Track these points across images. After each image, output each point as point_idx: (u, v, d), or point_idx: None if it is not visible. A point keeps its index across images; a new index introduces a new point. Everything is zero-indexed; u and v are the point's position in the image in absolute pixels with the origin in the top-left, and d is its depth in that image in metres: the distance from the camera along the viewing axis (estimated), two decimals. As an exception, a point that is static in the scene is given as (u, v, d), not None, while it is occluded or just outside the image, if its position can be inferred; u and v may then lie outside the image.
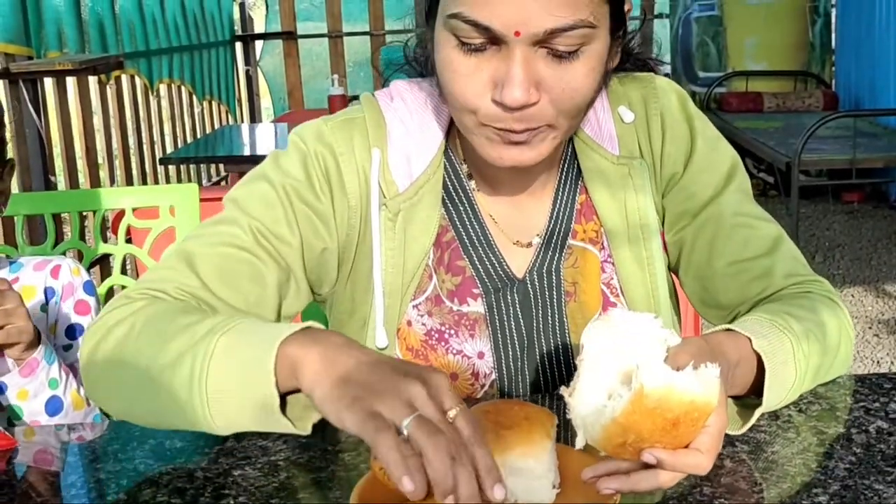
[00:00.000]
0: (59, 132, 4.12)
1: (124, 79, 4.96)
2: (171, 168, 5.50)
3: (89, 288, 1.46)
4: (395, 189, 1.12)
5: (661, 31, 7.16)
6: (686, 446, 0.81)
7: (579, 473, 0.84)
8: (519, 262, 1.16)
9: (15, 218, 1.85)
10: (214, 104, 6.43)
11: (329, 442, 1.03)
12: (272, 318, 1.09)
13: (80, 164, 4.35)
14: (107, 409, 1.05)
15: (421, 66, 1.17)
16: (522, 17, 0.93)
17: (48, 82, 3.99)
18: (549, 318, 1.16)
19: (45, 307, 1.42)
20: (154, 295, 1.03)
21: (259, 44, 7.34)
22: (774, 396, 0.96)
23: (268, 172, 1.12)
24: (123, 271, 1.90)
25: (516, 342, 1.15)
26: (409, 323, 1.14)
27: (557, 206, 1.18)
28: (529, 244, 1.17)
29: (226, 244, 1.07)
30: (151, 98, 5.36)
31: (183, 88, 5.86)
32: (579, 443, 0.82)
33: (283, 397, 0.86)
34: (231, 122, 6.69)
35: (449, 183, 1.16)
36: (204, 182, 6.19)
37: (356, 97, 1.19)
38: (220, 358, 0.88)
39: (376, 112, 1.14)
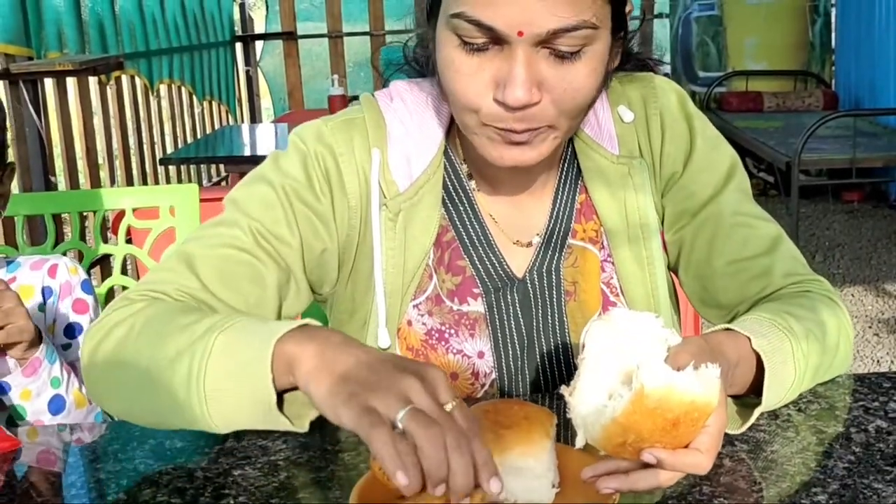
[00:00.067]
0: (59, 133, 4.12)
1: (124, 79, 4.96)
2: (172, 168, 5.50)
3: (87, 287, 1.46)
4: (395, 189, 1.12)
5: (661, 30, 7.16)
6: (686, 446, 0.81)
7: (579, 473, 0.84)
8: (519, 261, 1.17)
9: (15, 218, 1.85)
10: (214, 104, 6.43)
11: (329, 442, 1.03)
12: (273, 318, 1.09)
13: (81, 164, 4.35)
14: (108, 410, 1.06)
15: (421, 66, 1.17)
16: (526, 17, 0.93)
17: (48, 83, 3.99)
18: (549, 317, 1.16)
19: (42, 306, 1.42)
20: (154, 296, 1.04)
21: (259, 44, 7.34)
22: (774, 396, 0.96)
23: (267, 173, 1.12)
24: (124, 272, 1.90)
25: (516, 342, 1.15)
26: (410, 323, 1.14)
27: (557, 205, 1.18)
28: (529, 244, 1.17)
29: (226, 245, 1.07)
30: (152, 98, 5.36)
31: (183, 89, 5.86)
32: (579, 442, 0.83)
33: (281, 395, 0.86)
34: (231, 122, 6.69)
35: (449, 183, 1.16)
36: (204, 182, 6.19)
37: (356, 97, 1.20)
38: (218, 356, 0.88)
39: (376, 112, 1.15)
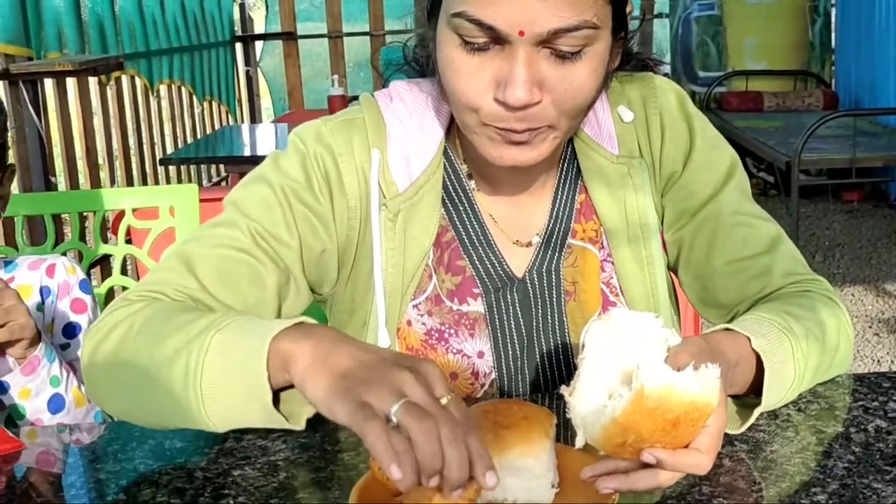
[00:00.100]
0: (59, 133, 4.12)
1: (124, 79, 4.96)
2: (172, 168, 5.50)
3: (85, 286, 1.46)
4: (394, 189, 1.12)
5: (661, 30, 7.16)
6: (686, 446, 0.81)
7: (578, 473, 0.84)
8: (519, 261, 1.17)
9: (15, 219, 1.85)
10: (214, 105, 6.43)
11: (328, 442, 1.03)
12: (272, 319, 1.09)
13: (81, 164, 4.35)
14: (108, 410, 1.06)
15: (421, 66, 1.17)
16: (527, 16, 0.93)
17: (48, 83, 3.99)
18: (549, 317, 1.16)
19: (41, 306, 1.42)
20: (152, 296, 1.04)
21: (259, 44, 7.34)
22: (773, 396, 0.96)
23: (267, 174, 1.12)
24: (123, 272, 1.90)
25: (516, 342, 1.15)
26: (409, 323, 1.14)
27: (557, 205, 1.18)
28: (529, 244, 1.17)
29: (224, 246, 1.07)
30: (151, 99, 5.35)
31: (183, 89, 5.86)
32: (579, 442, 0.83)
33: (278, 393, 0.86)
34: (231, 122, 6.69)
35: (449, 183, 1.16)
36: (204, 182, 6.19)
37: (356, 97, 1.20)
38: (214, 355, 0.88)
39: (376, 113, 1.15)
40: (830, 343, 1.06)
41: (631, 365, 0.80)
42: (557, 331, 1.16)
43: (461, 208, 1.16)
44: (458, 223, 1.16)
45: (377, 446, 0.71)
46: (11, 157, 1.42)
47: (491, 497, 0.83)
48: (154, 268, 1.11)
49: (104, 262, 3.74)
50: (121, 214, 1.90)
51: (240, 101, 7.09)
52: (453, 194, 1.16)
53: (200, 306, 1.04)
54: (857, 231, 5.37)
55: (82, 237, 1.94)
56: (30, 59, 3.78)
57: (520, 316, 1.15)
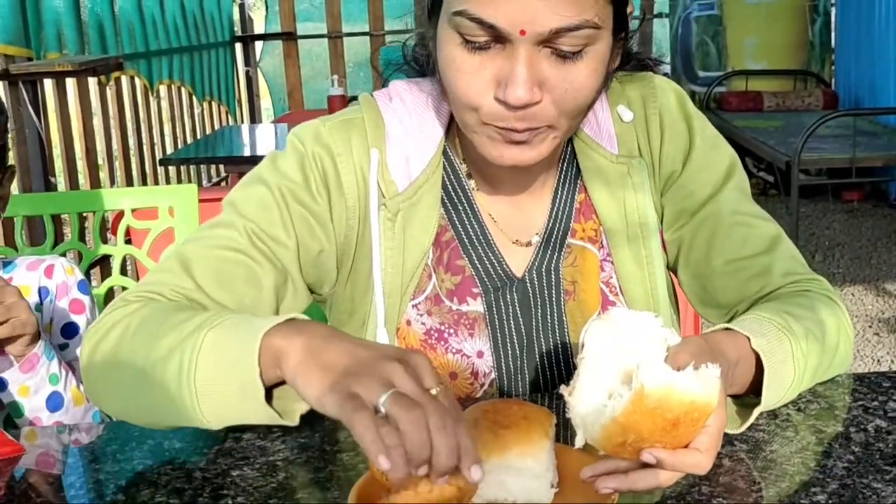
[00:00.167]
0: (58, 133, 4.12)
1: (124, 80, 4.96)
2: (171, 169, 5.50)
3: (83, 287, 1.46)
4: (394, 189, 1.12)
5: (661, 30, 7.17)
6: (686, 446, 0.81)
7: (578, 473, 0.84)
8: (518, 261, 1.16)
9: (14, 219, 1.85)
10: (214, 105, 6.43)
11: (328, 442, 1.03)
12: (268, 317, 1.10)
13: (80, 165, 4.35)
14: (106, 410, 1.06)
15: (420, 65, 1.17)
16: (528, 15, 0.93)
17: (48, 83, 3.99)
18: (549, 317, 1.16)
19: (39, 307, 1.42)
20: (149, 297, 1.04)
21: (259, 44, 7.34)
22: (773, 395, 0.96)
23: (265, 174, 1.12)
24: (123, 272, 1.90)
25: (515, 341, 1.15)
26: (409, 322, 1.14)
27: (556, 205, 1.18)
28: (529, 243, 1.17)
29: (221, 247, 1.08)
30: (151, 99, 5.35)
31: (183, 89, 5.86)
32: (579, 442, 0.82)
33: (272, 390, 0.87)
34: (231, 122, 6.69)
35: (448, 182, 1.16)
36: (204, 183, 6.19)
37: (356, 98, 1.20)
38: (207, 353, 0.89)
39: (375, 112, 1.15)
40: (830, 343, 1.06)
41: (631, 364, 0.80)
42: (557, 330, 1.16)
43: (461, 208, 1.16)
44: (457, 223, 1.16)
45: (365, 437, 0.72)
46: (11, 159, 1.42)
47: (491, 497, 0.83)
48: (153, 269, 1.12)
49: (104, 263, 3.74)
50: (120, 215, 1.91)
51: (239, 101, 7.09)
52: (453, 194, 1.16)
53: (196, 306, 1.04)
54: (857, 231, 5.37)
55: (82, 237, 1.94)
56: (29, 59, 3.78)
57: (519, 316, 1.15)
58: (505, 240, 1.17)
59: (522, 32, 0.94)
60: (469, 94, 0.99)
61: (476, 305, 1.15)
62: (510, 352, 1.15)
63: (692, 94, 5.88)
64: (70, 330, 1.44)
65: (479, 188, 1.17)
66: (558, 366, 1.16)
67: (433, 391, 0.76)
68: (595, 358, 0.83)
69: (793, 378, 0.99)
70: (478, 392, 1.15)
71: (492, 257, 1.15)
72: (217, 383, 0.88)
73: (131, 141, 5.09)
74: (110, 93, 4.78)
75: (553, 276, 1.16)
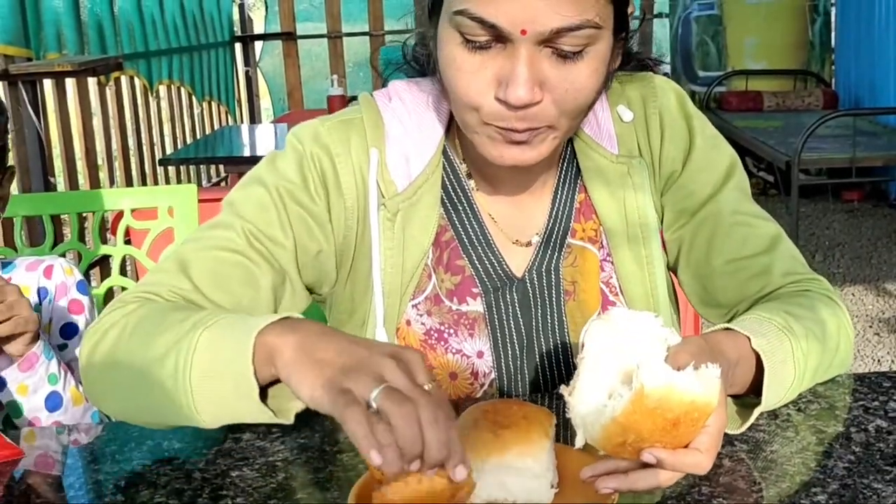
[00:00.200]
0: (58, 133, 4.12)
1: (124, 80, 4.95)
2: (171, 169, 5.50)
3: (82, 287, 1.46)
4: (393, 189, 1.12)
5: (661, 30, 7.17)
6: (686, 446, 0.81)
7: (578, 473, 0.83)
8: (518, 261, 1.16)
9: (14, 219, 1.85)
10: (214, 105, 6.42)
11: (327, 442, 1.03)
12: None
13: (80, 165, 4.35)
14: (105, 410, 1.06)
15: (420, 65, 1.17)
16: (529, 15, 0.93)
17: (47, 84, 3.99)
18: (549, 317, 1.16)
19: (38, 307, 1.42)
20: (147, 297, 1.04)
21: (258, 44, 7.34)
22: (773, 395, 0.96)
23: (263, 175, 1.12)
24: (122, 272, 1.90)
25: (515, 341, 1.15)
26: (409, 322, 1.14)
27: (556, 204, 1.18)
28: (529, 243, 1.17)
29: (219, 248, 1.08)
30: (151, 99, 5.35)
31: (182, 89, 5.85)
32: (579, 442, 0.82)
33: (267, 389, 0.87)
34: (231, 122, 6.69)
35: (448, 182, 1.16)
36: (204, 183, 6.19)
37: (355, 98, 1.19)
38: (202, 352, 0.89)
39: (374, 112, 1.14)
40: (830, 342, 1.06)
41: (631, 364, 0.79)
42: (557, 330, 1.16)
43: (460, 208, 1.16)
44: (457, 223, 1.16)
45: (357, 432, 0.72)
46: (11, 159, 1.42)
47: (491, 497, 0.83)
48: (151, 269, 1.12)
49: (103, 263, 3.74)
50: (120, 215, 1.90)
51: (239, 101, 7.09)
52: (452, 194, 1.16)
53: (193, 307, 1.04)
54: (857, 231, 5.37)
55: (81, 238, 1.94)
56: (29, 59, 3.78)
57: (519, 316, 1.15)
58: (505, 240, 1.17)
59: (523, 32, 0.93)
60: (469, 94, 0.99)
61: (476, 305, 1.15)
62: (510, 352, 1.15)
63: (692, 94, 5.88)
64: (69, 330, 1.44)
65: (479, 188, 1.17)
66: (558, 366, 1.16)
67: (426, 387, 0.76)
68: (595, 358, 0.83)
69: (793, 378, 0.99)
70: (478, 392, 1.15)
71: (492, 257, 1.15)
72: (212, 382, 0.88)
73: (131, 141, 5.09)
74: (110, 93, 4.78)
75: (553, 276, 1.16)
